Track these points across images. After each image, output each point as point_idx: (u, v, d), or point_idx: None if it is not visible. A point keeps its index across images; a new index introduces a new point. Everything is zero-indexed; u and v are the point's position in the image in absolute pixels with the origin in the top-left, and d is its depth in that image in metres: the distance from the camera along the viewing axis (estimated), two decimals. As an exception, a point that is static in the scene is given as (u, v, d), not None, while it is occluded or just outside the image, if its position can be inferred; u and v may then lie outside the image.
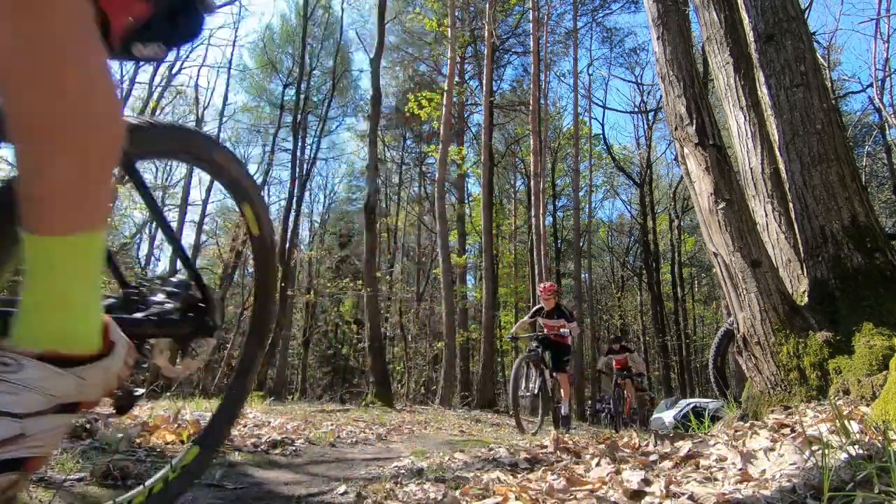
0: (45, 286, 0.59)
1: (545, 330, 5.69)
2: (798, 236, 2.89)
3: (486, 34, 14.39)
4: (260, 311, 1.36)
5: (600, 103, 24.93)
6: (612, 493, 1.31)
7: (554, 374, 5.49)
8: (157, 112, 17.18)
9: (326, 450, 2.89)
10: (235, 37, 24.43)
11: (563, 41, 20.73)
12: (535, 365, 5.26)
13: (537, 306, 5.89)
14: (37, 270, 0.58)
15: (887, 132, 14.55)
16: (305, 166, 18.51)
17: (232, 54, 36.00)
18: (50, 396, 0.59)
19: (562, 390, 5.49)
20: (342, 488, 1.71)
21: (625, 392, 8.98)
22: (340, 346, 24.21)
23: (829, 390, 2.23)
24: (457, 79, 15.98)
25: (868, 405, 1.85)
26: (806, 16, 4.53)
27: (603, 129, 37.67)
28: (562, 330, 5.38)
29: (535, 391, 5.13)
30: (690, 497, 1.17)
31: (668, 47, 3.07)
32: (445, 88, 12.97)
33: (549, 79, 18.79)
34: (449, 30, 13.44)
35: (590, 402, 19.56)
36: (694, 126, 2.84)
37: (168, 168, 22.64)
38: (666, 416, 4.22)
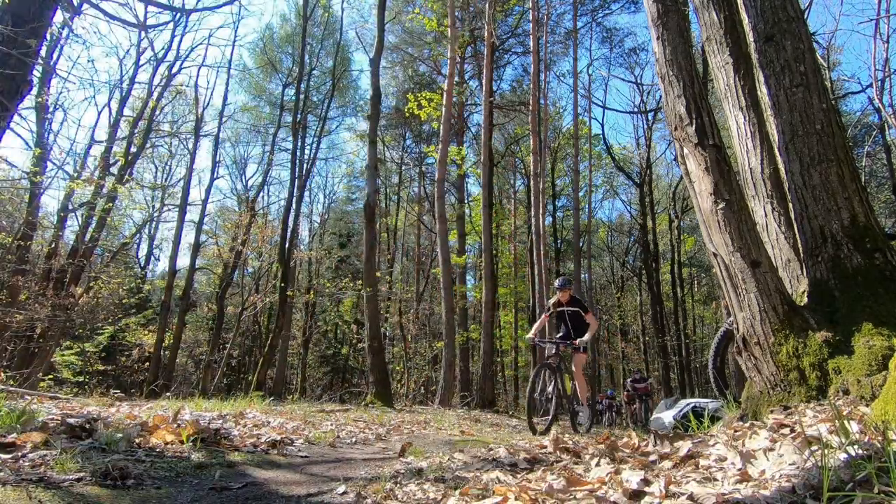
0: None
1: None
2: (798, 236, 2.89)
3: (486, 34, 14.39)
4: None
5: (600, 103, 24.96)
6: (611, 493, 1.30)
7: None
8: (157, 112, 17.15)
9: (326, 450, 2.89)
10: (235, 37, 24.40)
11: (563, 41, 20.71)
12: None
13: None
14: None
15: (887, 132, 14.54)
16: (305, 166, 18.49)
17: (231, 54, 36.14)
18: None
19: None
20: (342, 488, 1.71)
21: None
22: (340, 346, 24.21)
23: (829, 390, 2.23)
24: (457, 79, 15.97)
25: (867, 405, 1.85)
26: (806, 16, 4.53)
27: (603, 129, 37.73)
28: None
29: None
30: (690, 497, 1.16)
31: (668, 47, 3.07)
32: (445, 88, 12.95)
33: (548, 79, 18.75)
34: (449, 30, 13.43)
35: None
36: (694, 126, 2.84)
37: (168, 168, 22.71)
38: (666, 416, 4.21)
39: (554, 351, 5.52)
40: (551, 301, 6.01)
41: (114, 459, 1.66)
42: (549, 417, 5.26)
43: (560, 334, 5.97)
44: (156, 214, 21.48)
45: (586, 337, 5.50)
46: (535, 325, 6.29)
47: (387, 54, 19.04)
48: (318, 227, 27.46)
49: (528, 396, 5.11)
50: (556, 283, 5.93)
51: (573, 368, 5.70)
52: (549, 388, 5.29)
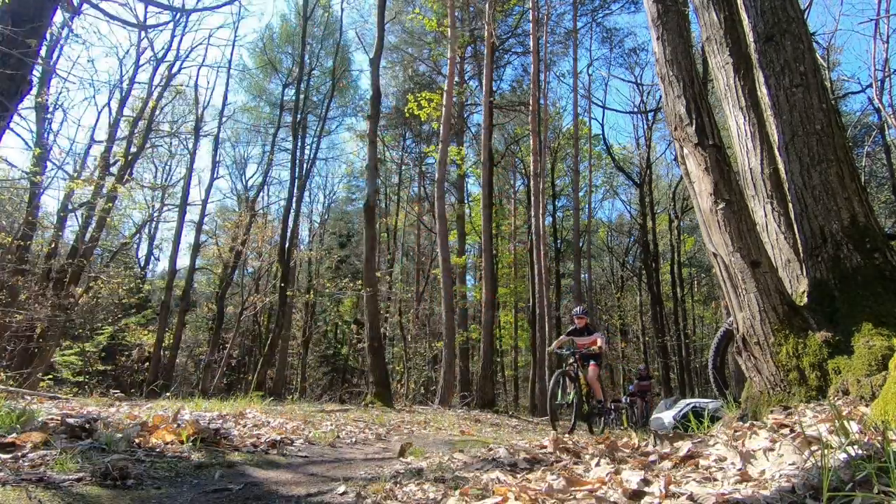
0: None
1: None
2: (797, 236, 2.89)
3: (486, 34, 14.38)
4: None
5: (600, 103, 24.92)
6: (611, 493, 1.30)
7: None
8: (157, 112, 17.13)
9: (326, 450, 2.89)
10: (235, 37, 24.28)
11: (563, 41, 20.70)
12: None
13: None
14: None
15: (887, 132, 14.55)
16: (305, 166, 18.49)
17: (231, 54, 36.04)
18: None
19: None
20: (342, 488, 1.71)
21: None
22: (340, 346, 24.20)
23: (829, 390, 2.23)
24: (457, 79, 15.96)
25: (867, 405, 1.85)
26: (805, 16, 4.53)
27: (603, 130, 37.70)
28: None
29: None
30: (690, 497, 1.16)
31: (668, 47, 3.07)
32: (445, 88, 12.95)
33: (548, 79, 18.72)
34: (449, 30, 13.44)
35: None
36: (694, 126, 2.84)
37: (168, 168, 22.69)
38: (665, 416, 4.22)
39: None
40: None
41: (114, 459, 1.66)
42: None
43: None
44: (156, 214, 21.48)
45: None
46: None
47: (387, 54, 19.04)
48: (318, 227, 27.46)
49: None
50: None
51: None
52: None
